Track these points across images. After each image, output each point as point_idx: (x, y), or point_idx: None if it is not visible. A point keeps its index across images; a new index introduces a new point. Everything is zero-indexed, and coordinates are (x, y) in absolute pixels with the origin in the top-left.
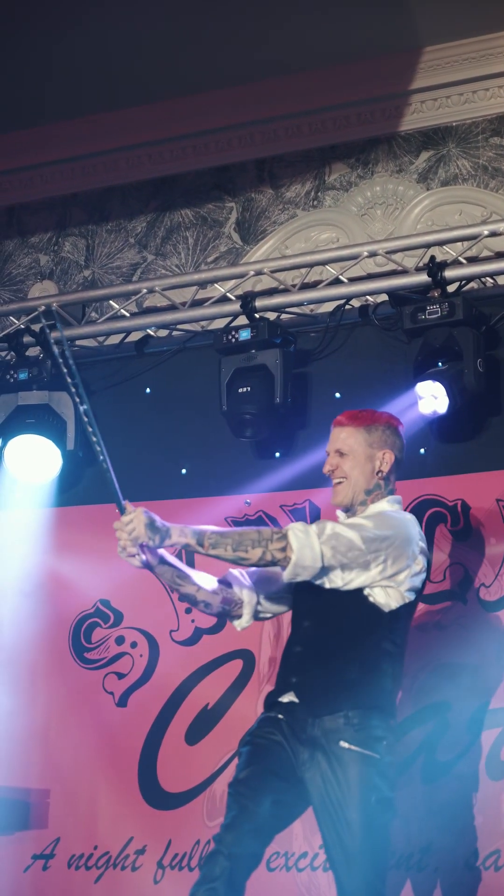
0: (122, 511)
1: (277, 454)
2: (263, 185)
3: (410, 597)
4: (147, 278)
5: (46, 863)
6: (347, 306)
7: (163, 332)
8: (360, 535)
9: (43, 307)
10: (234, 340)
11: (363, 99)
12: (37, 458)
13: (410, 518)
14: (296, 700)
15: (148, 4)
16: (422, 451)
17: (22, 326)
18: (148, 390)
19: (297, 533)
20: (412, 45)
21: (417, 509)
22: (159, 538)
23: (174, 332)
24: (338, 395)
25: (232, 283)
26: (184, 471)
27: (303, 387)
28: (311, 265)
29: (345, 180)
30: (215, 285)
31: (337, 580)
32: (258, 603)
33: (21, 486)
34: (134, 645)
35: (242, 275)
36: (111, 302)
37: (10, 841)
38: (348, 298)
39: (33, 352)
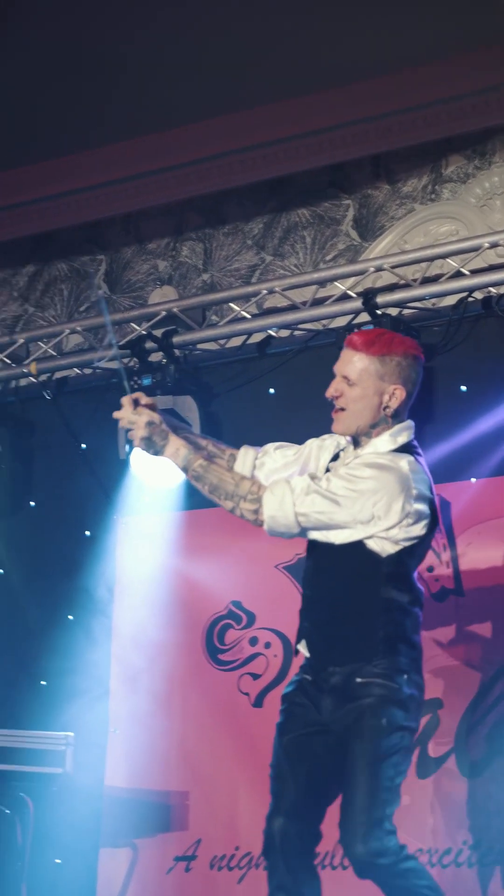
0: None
1: None
2: (379, 180)
3: (407, 544)
4: (266, 279)
5: (189, 864)
6: (470, 299)
7: (284, 333)
8: (342, 496)
9: (164, 312)
10: None
11: (478, 89)
12: (163, 463)
13: (402, 465)
14: (307, 654)
15: (262, 6)
16: None
17: (144, 332)
18: (272, 391)
19: (273, 496)
20: None
21: None
22: (153, 452)
23: (296, 332)
24: (463, 388)
25: (352, 280)
26: None
27: (428, 381)
28: (431, 259)
29: (462, 172)
30: (335, 283)
31: (320, 537)
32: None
33: (149, 490)
34: (268, 645)
35: (362, 272)
36: (231, 304)
37: (152, 843)
38: (471, 291)
39: (156, 357)
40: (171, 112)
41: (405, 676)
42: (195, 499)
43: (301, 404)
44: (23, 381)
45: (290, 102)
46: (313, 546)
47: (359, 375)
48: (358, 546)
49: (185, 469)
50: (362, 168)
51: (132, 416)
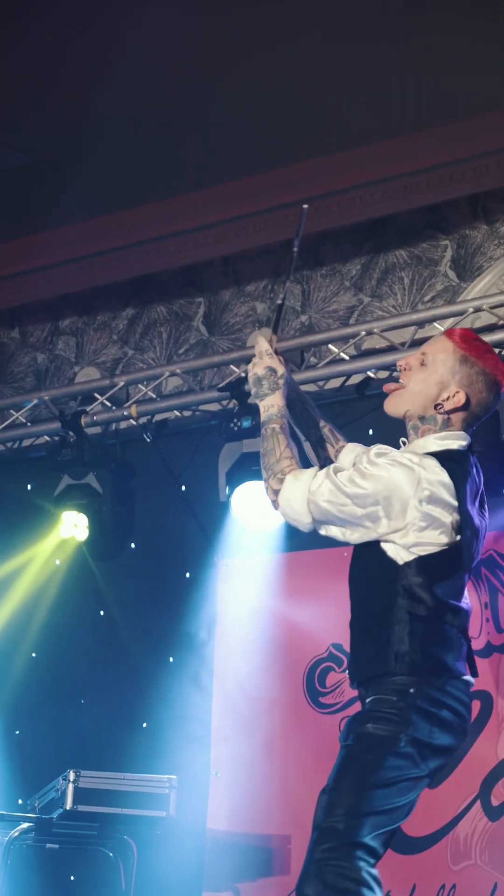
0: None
1: None
2: (477, 220)
3: (423, 552)
4: (364, 321)
5: None
6: None
7: (383, 374)
8: (351, 489)
9: None
10: None
11: None
12: (264, 505)
13: (422, 464)
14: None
15: (360, 46)
16: None
17: (242, 375)
18: (371, 432)
19: (294, 479)
20: None
21: None
22: (255, 395)
23: (395, 374)
24: None
25: (451, 321)
26: None
27: None
28: None
29: None
30: (434, 324)
31: (337, 535)
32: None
33: (249, 532)
34: None
35: (461, 312)
36: (330, 346)
37: (255, 887)
38: None
39: None
40: (268, 155)
41: (413, 708)
42: (295, 541)
43: (400, 445)
44: (123, 424)
45: (388, 143)
46: (352, 552)
47: (434, 359)
48: (377, 551)
49: (262, 424)
50: (460, 208)
51: (266, 352)
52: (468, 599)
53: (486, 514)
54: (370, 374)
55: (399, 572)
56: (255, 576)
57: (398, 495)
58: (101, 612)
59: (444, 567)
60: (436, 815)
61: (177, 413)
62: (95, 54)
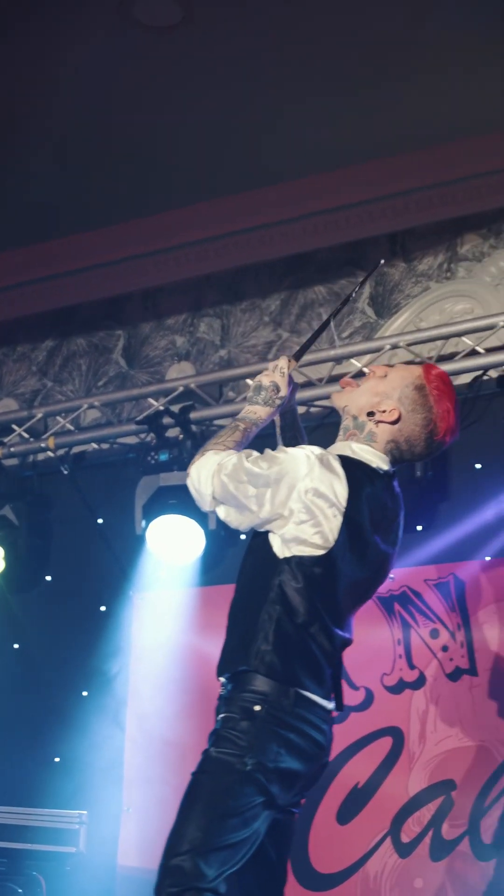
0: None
1: (419, 527)
2: (396, 258)
3: (300, 551)
4: (283, 356)
5: None
6: (485, 377)
7: (300, 409)
8: (250, 470)
9: (181, 388)
10: None
11: (494, 169)
12: (180, 539)
13: (319, 460)
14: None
15: (275, 86)
16: None
17: (161, 408)
18: None
19: (211, 455)
20: None
21: None
22: (247, 399)
23: (311, 409)
24: (478, 466)
25: (368, 357)
26: None
27: (443, 459)
28: (447, 337)
29: (477, 251)
30: (351, 360)
31: (230, 517)
32: None
33: (165, 566)
34: None
35: (378, 349)
36: (248, 381)
37: None
38: (486, 369)
39: (173, 433)
40: (190, 189)
41: (259, 730)
42: (211, 575)
43: None
44: (41, 456)
45: (309, 181)
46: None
47: (395, 374)
48: (265, 542)
49: (233, 419)
50: (379, 246)
51: (280, 369)
52: (350, 632)
53: (395, 549)
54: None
55: (278, 567)
56: (170, 610)
57: (287, 480)
58: (16, 646)
59: (322, 579)
60: (346, 852)
61: (94, 445)
62: (20, 92)
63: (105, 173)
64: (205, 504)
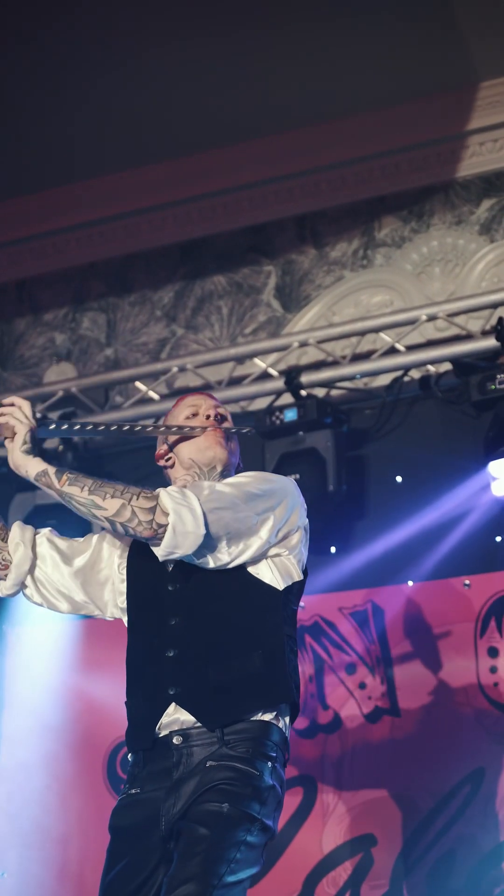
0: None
1: (333, 549)
2: (305, 244)
3: (299, 573)
4: (177, 355)
5: None
6: (406, 378)
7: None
8: (243, 492)
9: (61, 392)
10: (278, 422)
11: (414, 143)
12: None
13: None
14: (182, 718)
15: (177, 53)
16: (497, 538)
17: (39, 416)
18: None
19: (172, 493)
20: (468, 82)
21: (495, 608)
22: (22, 471)
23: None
24: (399, 478)
25: (274, 356)
26: None
27: (359, 471)
28: (362, 333)
29: (397, 235)
30: (255, 360)
31: (223, 555)
32: (31, 571)
33: None
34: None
35: (285, 347)
36: (137, 383)
37: None
38: (406, 369)
39: (51, 444)
40: (69, 166)
41: (267, 784)
42: None
43: None
44: None
45: (205, 156)
46: (174, 581)
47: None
48: (246, 578)
49: (58, 476)
50: (285, 230)
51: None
52: None
53: None
54: None
55: (277, 598)
56: (47, 646)
57: (294, 498)
58: None
59: (299, 596)
60: None
61: None
62: None
63: None
64: (190, 548)
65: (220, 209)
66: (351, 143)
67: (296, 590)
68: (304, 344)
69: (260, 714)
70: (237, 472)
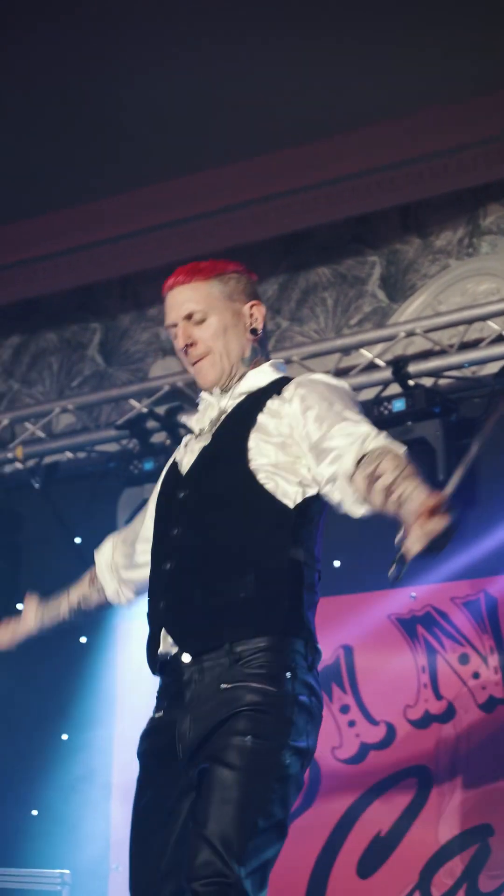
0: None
1: None
2: (409, 234)
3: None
4: (282, 347)
5: None
6: None
7: None
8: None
9: (167, 387)
10: (386, 412)
11: None
12: None
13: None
14: (171, 645)
15: (273, 48)
16: None
17: (144, 410)
18: None
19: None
20: None
21: None
22: None
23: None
24: None
25: (380, 347)
26: (337, 563)
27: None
28: (469, 321)
29: (503, 222)
30: (361, 351)
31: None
32: (110, 566)
33: None
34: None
35: (392, 337)
36: None
37: None
38: None
39: (159, 438)
40: (174, 161)
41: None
42: None
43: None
44: (7, 468)
45: (307, 148)
46: (187, 488)
47: (206, 303)
48: (256, 490)
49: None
50: (389, 220)
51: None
52: None
53: None
54: None
55: (288, 517)
56: None
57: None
58: None
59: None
60: None
61: (69, 455)
62: None
63: (72, 144)
64: None
65: (322, 201)
66: (453, 131)
67: (314, 510)
68: (410, 334)
69: (237, 642)
70: (259, 345)
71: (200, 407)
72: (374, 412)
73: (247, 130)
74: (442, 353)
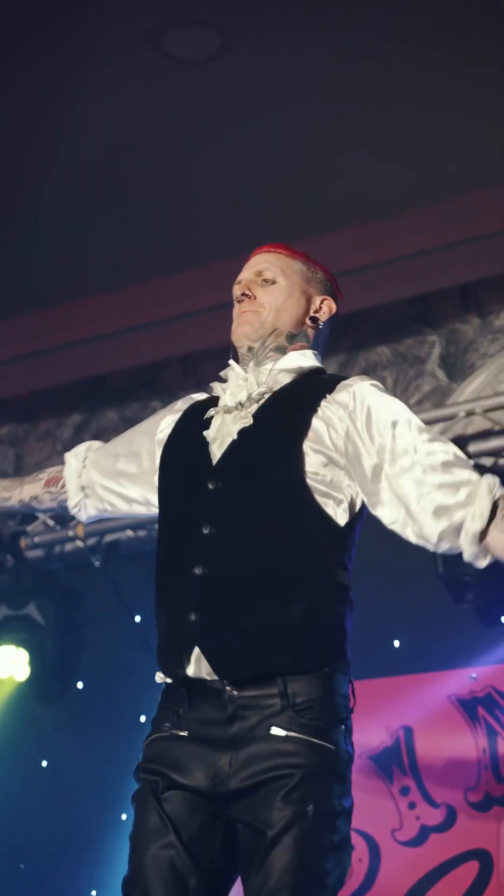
0: None
1: None
2: (468, 313)
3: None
4: None
5: None
6: None
7: None
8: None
9: None
10: None
11: None
12: None
13: None
14: (202, 663)
15: (331, 124)
16: None
17: None
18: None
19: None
20: None
21: None
22: None
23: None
24: None
25: (440, 426)
26: (397, 643)
27: None
28: None
29: None
30: None
31: None
32: (80, 475)
33: None
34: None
35: (451, 417)
36: None
37: None
38: None
39: None
40: (235, 240)
41: (342, 728)
42: None
43: (387, 569)
44: (69, 546)
45: (366, 228)
46: (223, 481)
47: (282, 270)
48: (306, 500)
49: None
50: (449, 300)
51: None
52: None
53: None
54: None
55: (337, 535)
56: None
57: None
58: (44, 763)
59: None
60: None
61: (130, 533)
62: (34, 139)
63: (134, 224)
64: None
65: (381, 280)
66: None
67: (357, 532)
68: (470, 413)
69: (289, 677)
70: (319, 335)
71: (230, 375)
72: None
73: (306, 211)
74: (502, 432)
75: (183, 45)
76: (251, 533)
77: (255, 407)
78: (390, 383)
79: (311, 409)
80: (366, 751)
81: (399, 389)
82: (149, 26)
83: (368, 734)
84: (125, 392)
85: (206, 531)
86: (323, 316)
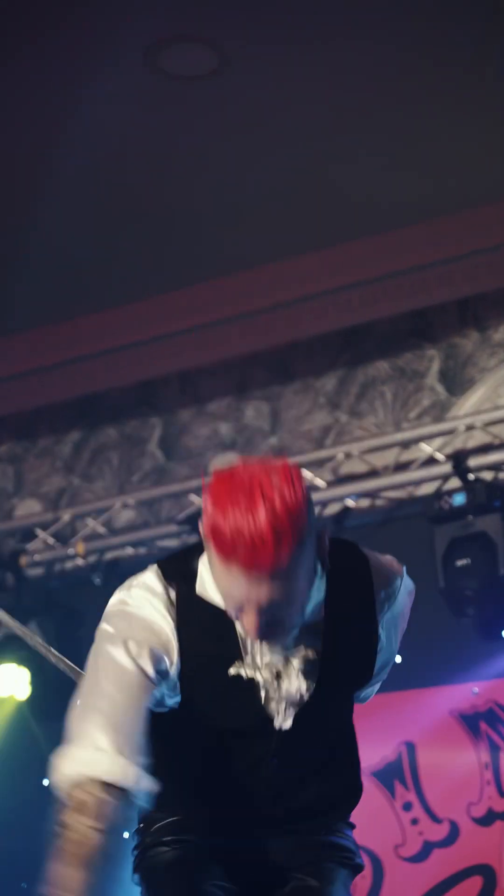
0: None
1: None
2: (467, 328)
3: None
4: (342, 441)
5: None
6: None
7: (364, 503)
8: None
9: None
10: (447, 507)
11: None
12: None
13: None
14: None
15: (329, 136)
16: None
17: None
18: None
19: None
20: None
21: None
22: None
23: (377, 502)
24: None
25: (440, 440)
26: (398, 658)
27: None
28: None
29: None
30: (421, 444)
31: None
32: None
33: None
34: None
35: (451, 431)
36: (303, 471)
37: None
38: None
39: None
40: (233, 257)
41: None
42: None
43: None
44: (69, 564)
45: (365, 243)
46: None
47: (291, 586)
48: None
49: None
50: (448, 314)
51: None
52: None
53: None
54: (349, 502)
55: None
56: None
57: None
58: (45, 782)
59: None
60: None
61: (130, 550)
62: (34, 155)
63: (131, 242)
64: None
65: (380, 295)
66: None
67: None
68: (470, 427)
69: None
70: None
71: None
72: (435, 506)
73: (304, 227)
74: (502, 446)
75: (181, 61)
76: (309, 762)
77: (315, 670)
78: (390, 398)
79: (371, 641)
80: (368, 766)
81: (398, 404)
82: (146, 42)
83: (370, 750)
84: (124, 409)
85: (261, 774)
86: (325, 548)
